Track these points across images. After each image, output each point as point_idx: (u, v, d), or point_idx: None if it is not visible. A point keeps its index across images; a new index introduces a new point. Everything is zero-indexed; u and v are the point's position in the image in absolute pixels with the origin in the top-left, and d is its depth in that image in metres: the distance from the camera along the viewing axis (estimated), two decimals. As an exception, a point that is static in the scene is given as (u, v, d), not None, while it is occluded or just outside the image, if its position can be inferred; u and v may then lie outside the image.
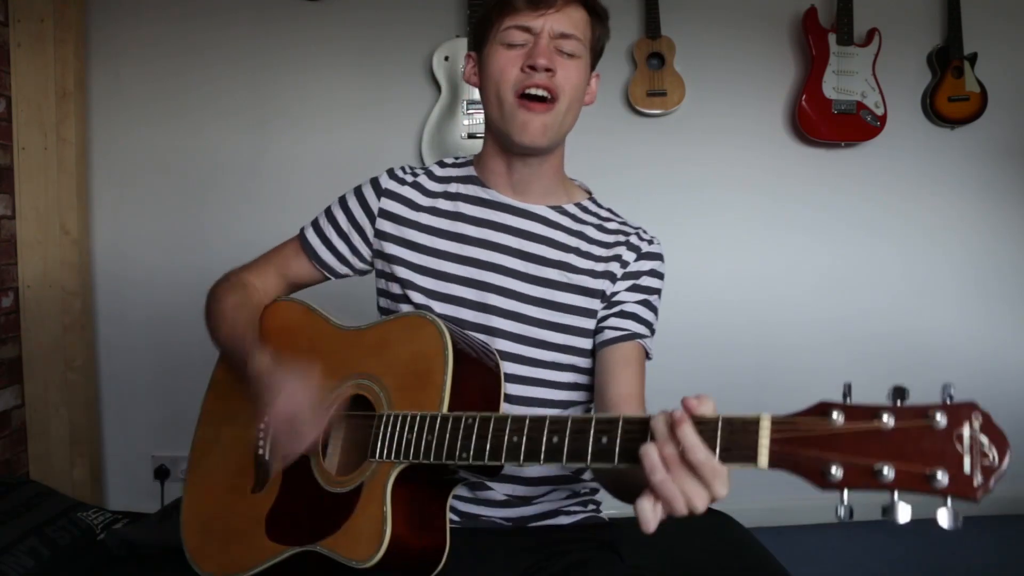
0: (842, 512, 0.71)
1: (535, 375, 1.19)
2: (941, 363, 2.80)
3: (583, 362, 1.22)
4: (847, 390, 0.74)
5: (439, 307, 1.20)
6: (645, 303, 1.23)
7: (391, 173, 1.29)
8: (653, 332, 1.25)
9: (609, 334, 1.20)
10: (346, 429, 1.14)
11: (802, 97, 2.68)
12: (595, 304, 1.21)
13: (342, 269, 1.31)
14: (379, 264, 1.28)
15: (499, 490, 1.18)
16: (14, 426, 2.46)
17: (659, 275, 1.26)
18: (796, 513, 2.77)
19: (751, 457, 0.74)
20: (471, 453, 0.92)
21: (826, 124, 2.68)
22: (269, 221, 2.57)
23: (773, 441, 0.73)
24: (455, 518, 1.19)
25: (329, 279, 1.34)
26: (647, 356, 1.23)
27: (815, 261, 2.82)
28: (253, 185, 2.69)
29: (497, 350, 1.14)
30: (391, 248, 1.24)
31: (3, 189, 2.42)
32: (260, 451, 1.18)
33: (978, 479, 0.67)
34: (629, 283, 1.23)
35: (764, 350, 2.77)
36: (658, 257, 1.26)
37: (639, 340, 1.20)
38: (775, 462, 0.73)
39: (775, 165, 2.79)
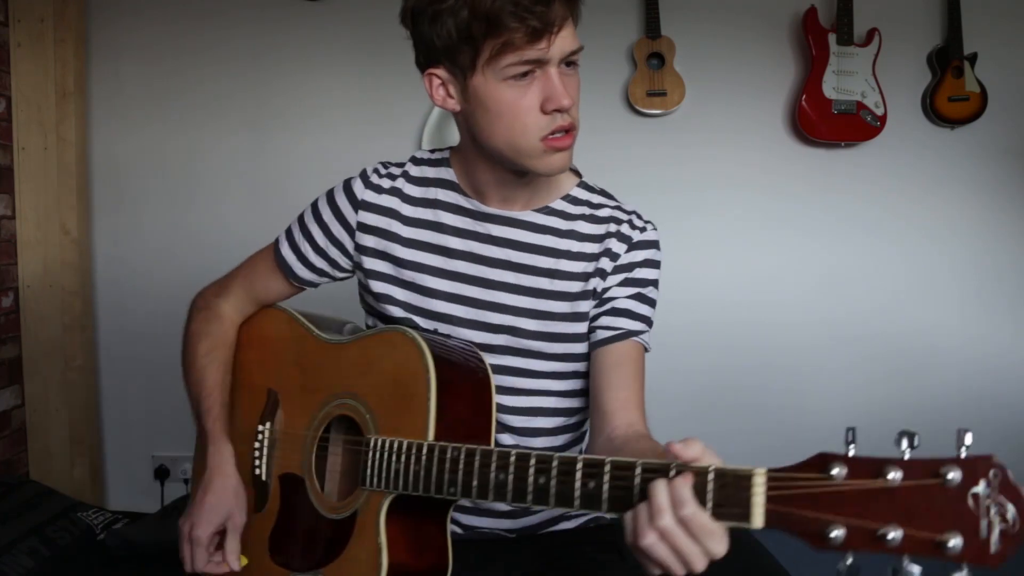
0: (844, 572, 0.65)
1: (535, 386, 1.15)
2: (941, 363, 2.79)
3: (585, 367, 1.16)
4: (851, 437, 0.66)
5: (424, 323, 1.14)
6: (638, 296, 1.14)
7: (366, 180, 1.19)
8: (650, 324, 1.15)
9: (601, 334, 1.12)
10: (341, 451, 1.11)
11: (802, 97, 2.68)
12: (587, 306, 1.14)
13: (322, 281, 1.26)
14: (360, 276, 1.22)
15: None
16: (14, 426, 2.46)
17: (654, 264, 1.16)
18: (796, 513, 2.76)
19: (744, 516, 0.69)
20: (459, 488, 0.89)
21: (826, 124, 2.67)
22: (269, 221, 2.55)
23: (769, 499, 0.67)
24: (457, 529, 1.17)
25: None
26: (645, 350, 1.14)
27: (815, 261, 2.81)
28: (253, 185, 2.69)
29: (493, 364, 1.09)
30: (370, 263, 1.18)
31: (3, 189, 2.42)
32: (256, 471, 1.17)
33: (995, 545, 0.58)
34: (621, 277, 1.14)
35: (763, 350, 2.77)
36: (652, 245, 1.16)
37: (634, 338, 1.12)
38: (771, 522, 0.67)
39: (775, 165, 2.79)
